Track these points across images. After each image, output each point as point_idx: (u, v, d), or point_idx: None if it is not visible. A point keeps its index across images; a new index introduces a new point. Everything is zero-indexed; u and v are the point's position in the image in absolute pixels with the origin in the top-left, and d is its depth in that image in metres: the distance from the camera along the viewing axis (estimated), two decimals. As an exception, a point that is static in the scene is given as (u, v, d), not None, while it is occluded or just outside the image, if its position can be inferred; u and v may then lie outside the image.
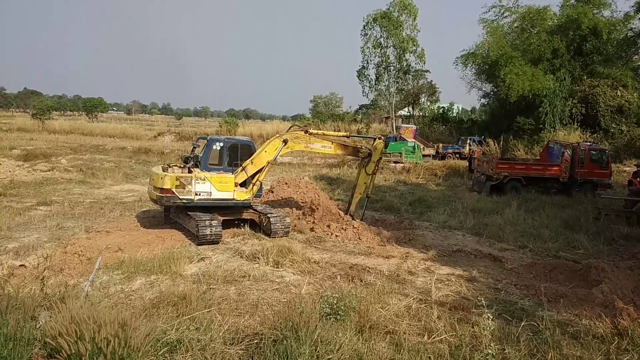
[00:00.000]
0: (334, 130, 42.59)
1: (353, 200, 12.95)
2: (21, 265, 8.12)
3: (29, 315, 5.63)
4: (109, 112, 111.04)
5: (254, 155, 11.35)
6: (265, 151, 11.38)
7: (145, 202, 14.54)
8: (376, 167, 12.78)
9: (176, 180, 10.44)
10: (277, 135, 11.81)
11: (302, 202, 14.24)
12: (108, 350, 4.63)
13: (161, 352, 5.11)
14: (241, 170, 11.13)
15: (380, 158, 12.77)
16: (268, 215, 11.29)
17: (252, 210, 11.81)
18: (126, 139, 43.17)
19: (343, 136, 12.86)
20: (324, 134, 12.52)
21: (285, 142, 11.49)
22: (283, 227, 11.20)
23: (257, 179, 11.40)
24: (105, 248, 9.47)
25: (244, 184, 11.25)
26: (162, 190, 10.41)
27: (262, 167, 11.35)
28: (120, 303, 6.75)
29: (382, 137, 13.09)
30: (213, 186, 10.80)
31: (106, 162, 25.58)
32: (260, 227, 11.56)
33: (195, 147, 12.27)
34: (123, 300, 6.97)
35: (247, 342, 5.50)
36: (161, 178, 10.45)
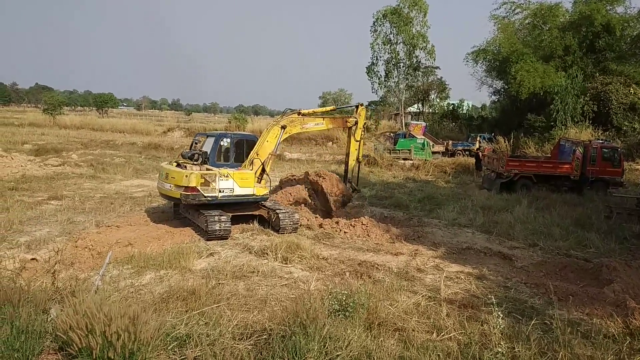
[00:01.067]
0: (343, 128, 42.65)
1: (348, 168, 13.70)
2: (33, 259, 8.20)
3: (41, 309, 5.71)
4: (119, 107, 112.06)
5: (257, 146, 11.40)
6: (267, 141, 11.49)
7: (155, 197, 14.62)
8: (363, 133, 13.56)
9: (201, 178, 10.44)
10: (274, 122, 11.87)
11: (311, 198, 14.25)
12: (118, 344, 4.67)
13: (171, 346, 5.14)
14: (250, 164, 11.19)
15: (365, 124, 13.44)
16: (277, 211, 11.31)
17: (262, 206, 11.84)
18: (136, 135, 43.41)
19: (331, 110, 13.27)
20: (314, 112, 12.73)
21: (283, 127, 11.68)
22: (292, 223, 11.21)
23: (265, 173, 11.53)
24: (115, 242, 9.54)
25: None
26: (187, 188, 10.31)
27: (267, 159, 11.47)
28: (130, 297, 6.80)
29: (364, 104, 13.59)
30: (235, 182, 10.88)
31: (116, 158, 25.76)
32: (269, 223, 11.59)
33: (196, 143, 12.24)
34: (133, 294, 7.02)
35: (256, 337, 5.51)
36: (186, 176, 10.32)
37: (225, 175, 10.74)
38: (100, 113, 74.78)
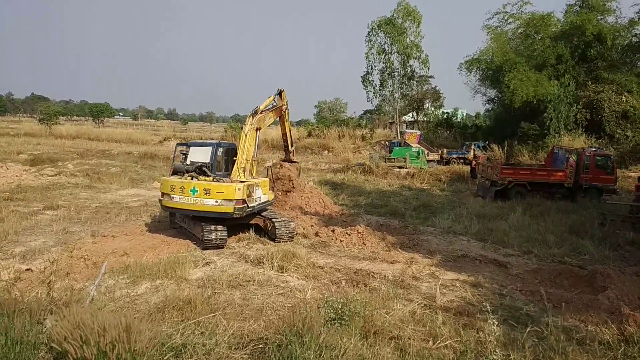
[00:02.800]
0: (338, 136, 42.94)
1: (289, 143, 15.21)
2: (28, 270, 8.17)
3: (36, 320, 5.68)
4: (115, 117, 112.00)
5: (245, 153, 11.38)
6: (250, 145, 11.60)
7: (150, 206, 14.61)
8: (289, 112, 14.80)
9: (247, 189, 10.57)
10: (249, 127, 11.72)
11: (307, 207, 14.29)
12: (113, 354, 4.66)
13: (166, 356, 5.12)
14: (243, 171, 11.24)
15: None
16: (272, 219, 11.32)
17: (258, 215, 11.84)
18: (132, 144, 43.42)
19: (271, 101, 13.54)
20: (265, 106, 12.94)
21: (258, 129, 11.91)
22: (287, 231, 11.23)
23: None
24: (111, 252, 9.52)
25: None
26: (238, 201, 10.35)
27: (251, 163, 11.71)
28: (126, 307, 6.78)
29: (283, 89, 14.19)
30: (262, 190, 11.32)
31: (112, 167, 25.74)
32: (265, 231, 11.59)
33: (184, 154, 11.92)
34: (128, 304, 7.00)
35: (252, 346, 5.51)
36: (239, 189, 10.33)
37: (257, 184, 11.14)
38: (96, 123, 74.87)
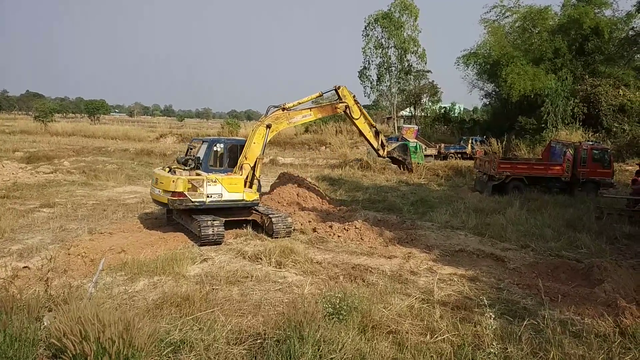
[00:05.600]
0: (336, 132, 42.76)
1: (373, 144, 13.82)
2: (25, 267, 8.15)
3: (34, 316, 5.69)
4: (111, 114, 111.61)
5: (245, 150, 11.36)
6: (254, 142, 11.42)
7: (148, 203, 14.57)
8: (359, 109, 13.34)
9: (188, 183, 10.44)
10: (259, 122, 11.64)
11: (304, 202, 14.29)
12: (113, 350, 4.67)
13: (165, 352, 5.14)
14: (240, 169, 11.18)
15: (354, 97, 13.07)
16: (270, 215, 11.32)
17: (254, 211, 11.84)
18: (128, 141, 43.23)
19: (317, 97, 12.92)
20: (299, 103, 12.50)
21: (268, 126, 11.56)
22: (285, 227, 11.23)
23: (255, 177, 11.52)
24: (108, 249, 9.50)
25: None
26: (173, 193, 10.32)
27: (255, 162, 11.46)
28: (124, 304, 6.78)
29: (340, 86, 13.08)
30: (224, 188, 10.87)
31: (109, 164, 25.64)
32: (263, 227, 11.60)
33: (191, 149, 12.21)
34: (126, 301, 7.01)
35: (250, 342, 5.53)
36: (173, 181, 10.33)
37: (213, 180, 10.75)
38: (92, 120, 74.41)
